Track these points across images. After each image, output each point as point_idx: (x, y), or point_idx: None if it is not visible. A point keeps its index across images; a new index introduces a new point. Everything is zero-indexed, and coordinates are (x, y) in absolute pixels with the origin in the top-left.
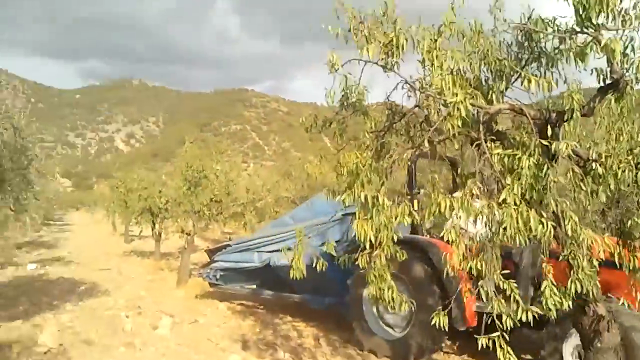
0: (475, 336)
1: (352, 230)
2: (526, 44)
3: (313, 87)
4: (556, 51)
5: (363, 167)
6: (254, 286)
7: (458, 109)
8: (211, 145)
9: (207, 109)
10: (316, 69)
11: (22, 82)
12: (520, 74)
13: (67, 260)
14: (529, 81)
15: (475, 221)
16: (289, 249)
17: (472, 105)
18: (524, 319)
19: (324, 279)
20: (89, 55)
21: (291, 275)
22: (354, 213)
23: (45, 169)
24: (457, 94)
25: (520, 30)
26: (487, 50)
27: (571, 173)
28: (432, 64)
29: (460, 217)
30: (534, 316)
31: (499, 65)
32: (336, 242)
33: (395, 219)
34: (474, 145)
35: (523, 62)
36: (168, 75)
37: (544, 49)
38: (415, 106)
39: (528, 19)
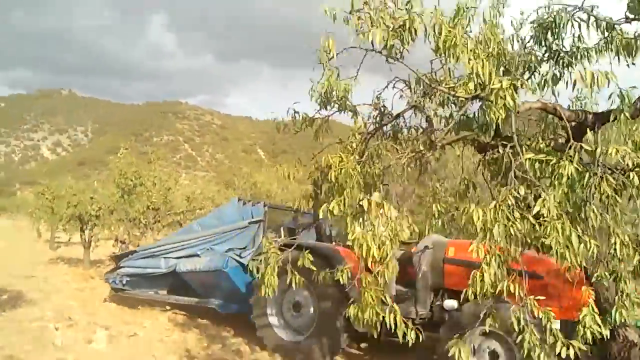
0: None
1: (258, 238)
2: (545, 38)
3: (248, 103)
4: (597, 45)
5: (352, 171)
6: (164, 292)
7: (502, 97)
8: (148, 153)
9: (138, 121)
10: (251, 84)
11: None
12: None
13: None
14: (579, 77)
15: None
16: (197, 255)
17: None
18: None
19: (230, 285)
20: (16, 65)
21: (262, 292)
22: (259, 221)
23: None
24: (501, 81)
25: (539, 25)
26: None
27: (607, 182)
28: (452, 49)
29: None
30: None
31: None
32: (242, 248)
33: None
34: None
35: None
36: (101, 87)
37: (562, 47)
38: (412, 107)
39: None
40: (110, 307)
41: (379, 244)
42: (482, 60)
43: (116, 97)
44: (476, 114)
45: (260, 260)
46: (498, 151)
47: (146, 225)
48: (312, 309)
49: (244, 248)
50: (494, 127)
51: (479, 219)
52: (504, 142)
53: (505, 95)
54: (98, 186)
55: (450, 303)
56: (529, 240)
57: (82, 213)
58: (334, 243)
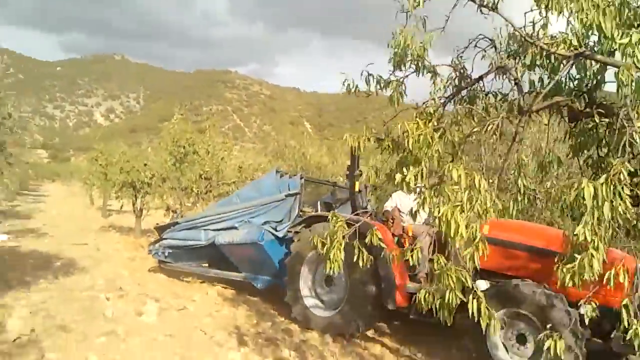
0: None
1: (294, 211)
2: None
3: (296, 73)
4: None
5: (431, 139)
6: (205, 265)
7: (631, 54)
8: (199, 121)
9: (188, 88)
10: (299, 55)
11: (1, 51)
12: None
13: (41, 233)
14: None
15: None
16: (235, 228)
17: None
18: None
19: (265, 258)
20: (71, 28)
21: (327, 268)
22: (296, 194)
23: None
24: (631, 35)
25: None
26: None
27: None
28: None
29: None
30: None
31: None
32: (278, 222)
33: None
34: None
35: None
36: (151, 52)
37: None
38: (497, 68)
39: None
40: (159, 278)
41: (467, 222)
42: (603, 10)
43: (168, 64)
44: (567, 78)
45: (326, 235)
46: (593, 120)
47: (198, 194)
48: (343, 284)
49: (280, 221)
50: (589, 92)
51: (590, 196)
52: (600, 110)
53: (635, 53)
54: (151, 153)
55: (482, 284)
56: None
57: (134, 180)
58: (369, 217)
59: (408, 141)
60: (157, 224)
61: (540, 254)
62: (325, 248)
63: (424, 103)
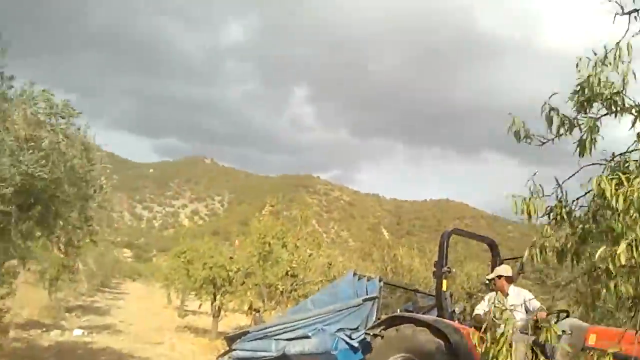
0: None
1: (371, 318)
2: None
3: (377, 179)
4: None
5: None
6: None
7: None
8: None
9: (271, 192)
10: (381, 163)
11: (105, 155)
12: None
13: (116, 330)
14: None
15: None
16: (308, 336)
17: None
18: None
19: None
20: (166, 133)
21: None
22: (374, 298)
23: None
24: None
25: None
26: None
27: None
28: None
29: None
30: None
31: None
32: (354, 329)
33: None
34: None
35: None
36: (241, 157)
37: None
38: None
39: None
40: None
41: None
42: None
43: (254, 168)
44: None
45: (488, 328)
46: None
47: (282, 292)
48: None
49: (356, 329)
50: None
51: None
52: None
53: None
54: (236, 248)
55: None
56: None
57: (216, 276)
58: (456, 321)
59: (617, 200)
60: (228, 334)
61: None
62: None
63: (620, 154)
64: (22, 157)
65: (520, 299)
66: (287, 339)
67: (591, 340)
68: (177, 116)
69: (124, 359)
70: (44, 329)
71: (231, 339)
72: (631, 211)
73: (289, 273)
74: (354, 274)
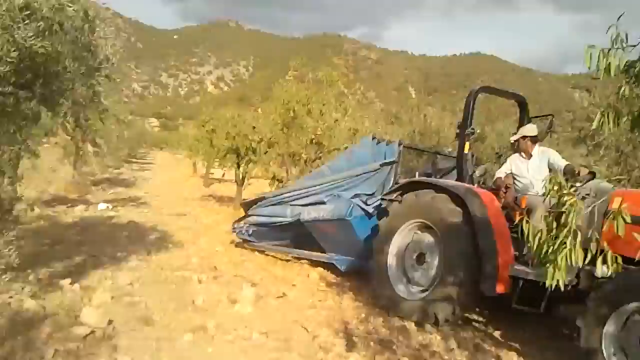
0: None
1: (389, 183)
2: None
3: (407, 35)
4: None
5: None
6: (287, 245)
7: None
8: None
9: (297, 55)
10: (411, 18)
11: (124, 21)
12: None
13: (141, 202)
14: None
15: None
16: (323, 202)
17: None
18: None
19: (352, 236)
20: None
21: (548, 280)
22: (392, 162)
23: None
24: None
25: None
26: None
27: None
28: None
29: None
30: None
31: None
32: (370, 195)
33: None
34: None
35: None
36: (265, 18)
37: None
38: None
39: None
40: (257, 256)
41: None
42: None
43: (279, 29)
44: None
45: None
46: None
47: (306, 161)
48: (436, 263)
49: (372, 194)
50: None
51: None
52: None
53: None
54: (260, 116)
55: (603, 269)
56: None
57: (239, 146)
58: (476, 185)
59: None
60: (244, 199)
61: None
62: (542, 247)
63: None
64: (18, 31)
65: (544, 160)
66: (303, 205)
67: (616, 204)
68: None
69: (147, 233)
70: (69, 205)
71: (247, 205)
72: None
73: (314, 141)
74: (373, 138)
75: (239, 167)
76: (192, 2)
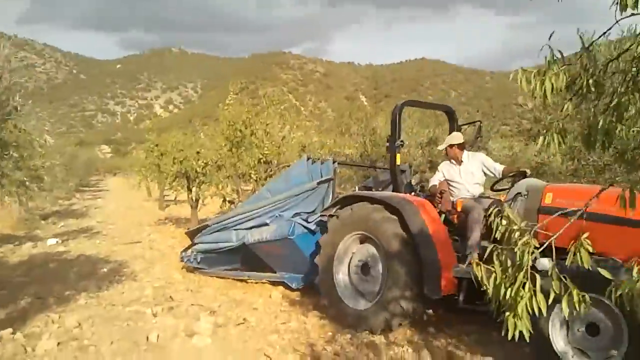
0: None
1: (328, 199)
2: None
3: (351, 48)
4: None
5: None
6: (237, 268)
7: None
8: (257, 104)
9: (244, 73)
10: (355, 29)
11: (64, 55)
12: None
13: (94, 232)
14: None
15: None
16: (266, 224)
17: None
18: None
19: (297, 253)
20: (129, 26)
21: (511, 332)
22: (328, 180)
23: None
24: None
25: None
26: None
27: None
28: None
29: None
30: None
31: None
32: (310, 212)
33: None
34: None
35: None
36: (208, 42)
37: None
38: None
39: None
40: (216, 281)
41: None
42: None
43: (224, 52)
44: None
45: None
46: None
47: (257, 180)
48: (380, 272)
49: (313, 212)
50: None
51: None
52: None
53: None
54: (205, 139)
55: (544, 262)
56: None
57: (188, 170)
58: (413, 193)
59: None
60: (188, 228)
61: (618, 224)
62: (499, 289)
63: None
64: None
65: (476, 163)
66: (247, 228)
67: (547, 199)
68: (140, 7)
69: (98, 266)
70: (16, 243)
71: (192, 233)
72: None
73: (262, 160)
74: (308, 158)
75: (190, 190)
76: (130, 33)
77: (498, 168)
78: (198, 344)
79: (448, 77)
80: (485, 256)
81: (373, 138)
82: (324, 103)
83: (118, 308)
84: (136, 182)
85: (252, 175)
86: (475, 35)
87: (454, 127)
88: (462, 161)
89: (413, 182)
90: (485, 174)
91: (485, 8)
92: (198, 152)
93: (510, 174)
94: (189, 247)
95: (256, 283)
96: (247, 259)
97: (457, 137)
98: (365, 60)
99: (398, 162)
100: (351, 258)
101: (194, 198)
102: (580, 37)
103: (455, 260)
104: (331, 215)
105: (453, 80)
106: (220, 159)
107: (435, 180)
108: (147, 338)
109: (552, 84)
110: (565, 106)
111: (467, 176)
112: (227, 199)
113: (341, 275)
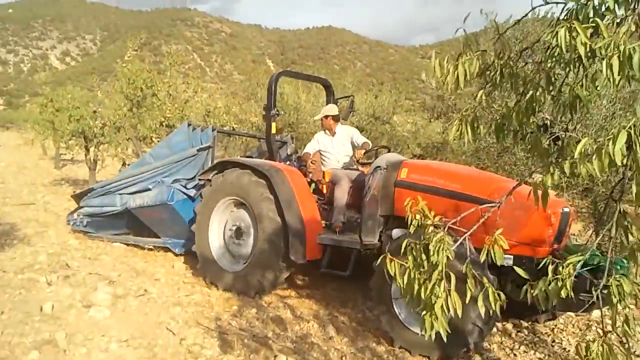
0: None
1: (208, 165)
2: None
3: (258, 10)
4: None
5: None
6: (127, 233)
7: None
8: (159, 62)
9: (147, 28)
10: None
11: None
12: None
13: None
14: None
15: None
16: (149, 189)
17: None
18: None
19: (177, 219)
20: None
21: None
22: (208, 147)
23: None
24: None
25: None
26: None
27: None
28: None
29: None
30: None
31: None
32: (190, 179)
33: None
34: None
35: None
36: None
37: None
38: None
39: None
40: (115, 248)
41: None
42: None
43: (125, 3)
44: None
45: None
46: None
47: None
48: (252, 236)
49: (192, 178)
50: None
51: None
52: None
53: None
54: (103, 97)
55: (399, 232)
56: None
57: (85, 129)
58: (288, 163)
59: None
60: (74, 191)
61: (459, 199)
62: (412, 286)
63: None
64: None
65: (347, 137)
66: (130, 193)
67: (403, 174)
68: None
69: None
70: None
71: (79, 197)
72: (614, 72)
73: (164, 123)
74: (189, 125)
75: (88, 150)
76: None
77: (360, 142)
78: (96, 316)
79: (353, 47)
80: (402, 251)
81: (280, 105)
82: (230, 65)
83: (9, 275)
84: (30, 138)
85: (154, 139)
86: (380, 7)
87: (330, 99)
88: (335, 132)
89: (289, 151)
90: (353, 146)
91: None
92: (95, 112)
93: (375, 148)
94: (75, 210)
95: (159, 252)
96: (133, 224)
97: (332, 109)
98: (272, 23)
99: (273, 130)
100: (226, 223)
101: (92, 159)
102: (495, 23)
103: (321, 227)
104: (206, 180)
105: (358, 50)
106: (119, 120)
107: (309, 148)
108: (41, 308)
109: (466, 71)
110: (479, 94)
111: (339, 147)
112: (127, 163)
113: (216, 240)
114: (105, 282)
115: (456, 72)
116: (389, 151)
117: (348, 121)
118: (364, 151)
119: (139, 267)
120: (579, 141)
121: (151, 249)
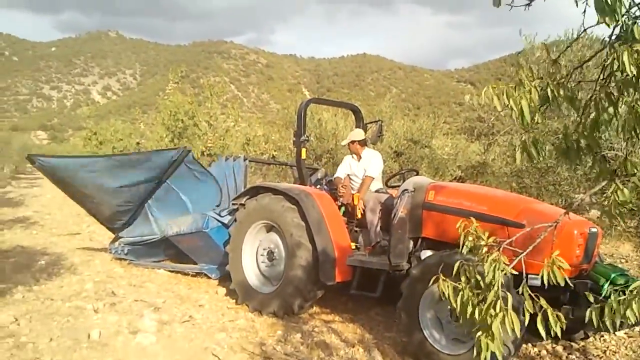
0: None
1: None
2: None
3: (293, 40)
4: None
5: None
6: (167, 260)
7: None
8: (198, 94)
9: (185, 62)
10: (296, 22)
11: None
12: None
13: (30, 222)
14: None
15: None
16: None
17: None
18: None
19: (212, 245)
20: (65, 7)
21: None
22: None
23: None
24: None
25: None
26: None
27: None
28: None
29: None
30: None
31: None
32: (217, 206)
33: None
34: None
35: None
36: (147, 28)
37: None
38: None
39: None
40: (159, 275)
41: None
42: None
43: (163, 38)
44: None
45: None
46: None
47: None
48: (284, 257)
49: (218, 206)
50: None
51: None
52: None
53: None
54: (145, 129)
55: (427, 254)
56: None
57: None
58: (318, 187)
59: None
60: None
61: (486, 221)
62: (466, 306)
63: None
64: None
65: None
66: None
67: (430, 196)
68: None
69: (36, 258)
70: None
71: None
72: None
73: (205, 153)
74: (226, 159)
75: None
76: (66, 14)
77: (364, 176)
78: (142, 342)
79: (388, 74)
80: (454, 272)
81: (318, 132)
82: (267, 95)
83: (57, 303)
84: None
85: None
86: (414, 33)
87: (359, 124)
88: (361, 157)
89: (319, 176)
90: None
91: (423, 6)
92: (138, 143)
93: (402, 172)
94: (115, 239)
95: (202, 278)
96: (170, 251)
97: (358, 134)
98: (307, 53)
99: (303, 156)
100: (258, 246)
101: None
102: (545, 46)
103: (351, 250)
104: (240, 205)
105: (393, 76)
106: None
107: (340, 172)
108: (89, 335)
109: (529, 103)
110: (536, 118)
111: (364, 172)
112: None
113: (249, 262)
114: (150, 308)
115: (519, 105)
116: (417, 174)
117: (377, 145)
118: (359, 195)
119: (183, 293)
120: None
121: (194, 276)
